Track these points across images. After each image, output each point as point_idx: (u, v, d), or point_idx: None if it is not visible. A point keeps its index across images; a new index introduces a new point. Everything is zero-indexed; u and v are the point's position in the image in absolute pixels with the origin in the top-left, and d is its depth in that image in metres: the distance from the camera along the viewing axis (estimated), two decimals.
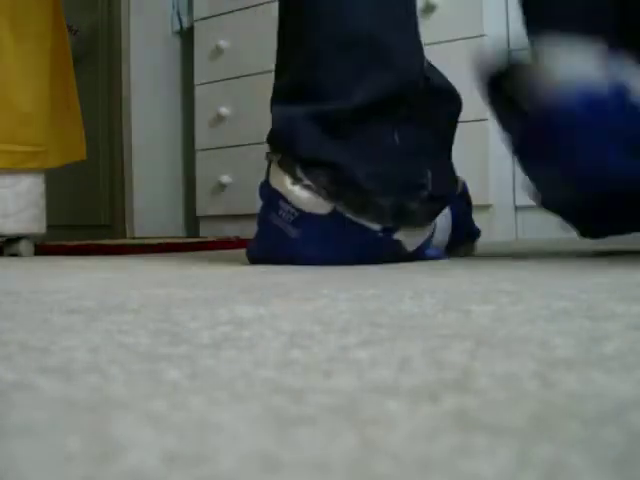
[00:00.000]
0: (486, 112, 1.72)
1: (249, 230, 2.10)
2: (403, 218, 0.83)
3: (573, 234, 0.98)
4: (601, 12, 0.82)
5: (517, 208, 1.79)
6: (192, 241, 1.63)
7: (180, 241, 1.63)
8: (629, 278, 0.61)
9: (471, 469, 0.15)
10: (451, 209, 0.97)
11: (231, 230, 2.15)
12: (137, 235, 2.16)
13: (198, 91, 2.20)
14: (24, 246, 1.43)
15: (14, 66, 1.38)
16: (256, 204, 2.13)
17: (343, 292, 0.53)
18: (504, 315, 0.39)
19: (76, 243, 1.66)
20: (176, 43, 2.28)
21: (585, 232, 0.95)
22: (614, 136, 0.76)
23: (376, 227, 0.81)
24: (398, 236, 0.83)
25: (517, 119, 0.82)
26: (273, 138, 0.90)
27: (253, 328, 0.36)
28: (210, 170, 2.17)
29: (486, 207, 1.76)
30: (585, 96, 0.74)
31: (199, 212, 2.21)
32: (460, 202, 1.01)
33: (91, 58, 2.51)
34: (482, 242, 1.31)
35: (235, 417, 0.20)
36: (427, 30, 1.78)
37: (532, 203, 1.73)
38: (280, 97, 0.90)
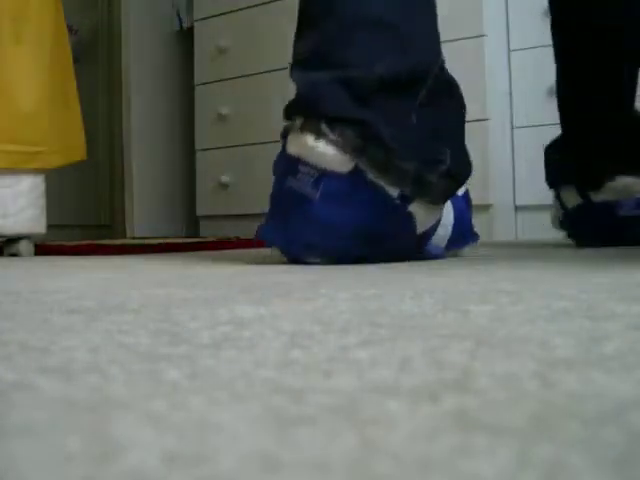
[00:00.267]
0: (486, 112, 1.72)
1: (249, 230, 2.10)
2: (421, 188, 0.84)
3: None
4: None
5: (517, 208, 1.79)
6: (192, 241, 1.63)
7: (180, 241, 1.63)
8: (629, 278, 0.61)
9: (471, 469, 0.15)
10: (453, 207, 0.99)
11: (231, 230, 2.15)
12: (137, 235, 2.16)
13: (198, 91, 2.20)
14: (24, 246, 1.43)
15: (14, 66, 1.38)
16: (256, 204, 2.13)
17: (343, 292, 0.53)
18: (504, 315, 0.39)
19: (76, 243, 1.66)
20: (176, 43, 2.28)
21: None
22: None
23: (394, 193, 0.82)
24: (412, 208, 0.84)
25: None
26: (296, 103, 0.87)
27: (253, 328, 0.36)
28: (210, 170, 2.16)
29: (486, 207, 1.76)
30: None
31: (199, 212, 2.20)
32: (461, 202, 1.03)
33: (91, 58, 2.51)
34: (482, 242, 1.31)
35: (235, 417, 0.20)
36: None
37: (532, 203, 1.73)
38: (302, 65, 0.88)
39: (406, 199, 0.83)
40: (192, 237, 2.16)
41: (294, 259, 0.87)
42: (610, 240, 1.21)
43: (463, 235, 1.03)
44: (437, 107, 0.88)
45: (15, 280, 0.77)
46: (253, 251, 1.43)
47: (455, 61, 1.76)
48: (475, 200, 1.18)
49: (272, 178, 0.92)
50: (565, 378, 0.24)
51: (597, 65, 1.22)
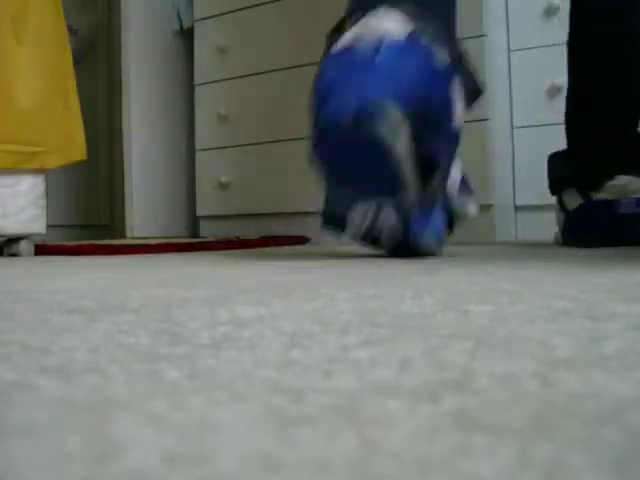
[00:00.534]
0: (486, 112, 1.72)
1: (249, 230, 2.10)
2: (460, 65, 0.92)
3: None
4: None
5: (517, 208, 1.79)
6: (192, 241, 1.63)
7: (180, 241, 1.63)
8: (629, 278, 0.61)
9: (471, 469, 0.15)
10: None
11: (231, 230, 2.14)
12: (137, 235, 2.16)
13: (198, 91, 2.20)
14: (24, 246, 1.43)
15: (14, 66, 1.38)
16: (256, 204, 2.13)
17: (343, 292, 0.53)
18: (504, 315, 0.39)
19: (76, 243, 1.66)
20: (176, 43, 2.28)
21: None
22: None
23: (444, 58, 0.86)
24: (455, 85, 0.89)
25: None
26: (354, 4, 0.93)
27: (253, 328, 0.36)
28: (210, 170, 2.17)
29: (486, 207, 1.76)
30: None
31: (199, 212, 2.20)
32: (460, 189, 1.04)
33: (91, 58, 2.50)
34: (482, 242, 1.30)
35: (235, 417, 0.20)
36: None
37: (532, 203, 1.73)
38: None
39: (451, 71, 0.87)
40: (192, 237, 2.16)
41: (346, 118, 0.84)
42: (610, 238, 1.22)
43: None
44: None
45: (15, 280, 0.77)
46: (253, 251, 1.43)
47: None
48: None
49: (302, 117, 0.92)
50: (565, 378, 0.24)
51: (616, 84, 1.23)
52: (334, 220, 0.99)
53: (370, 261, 0.99)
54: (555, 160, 1.33)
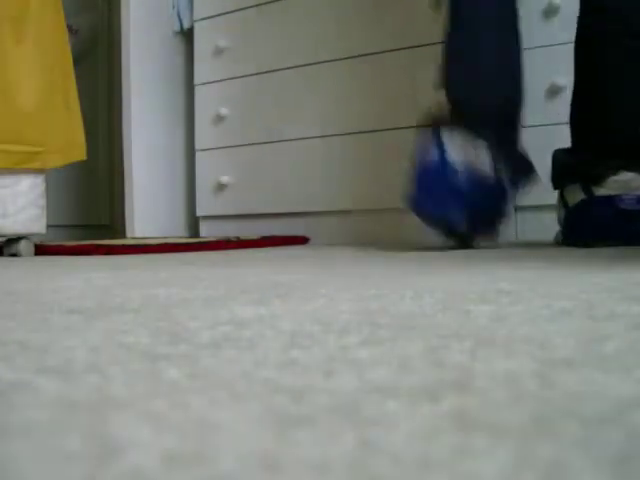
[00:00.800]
0: None
1: (249, 230, 2.10)
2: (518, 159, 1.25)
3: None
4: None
5: (517, 208, 1.79)
6: (192, 241, 1.63)
7: (180, 241, 1.63)
8: (629, 278, 0.61)
9: (471, 469, 0.15)
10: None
11: (231, 230, 2.14)
12: (137, 235, 2.15)
13: (198, 91, 2.19)
14: (24, 246, 1.43)
15: (14, 66, 1.38)
16: (256, 204, 2.12)
17: (343, 292, 0.53)
18: (504, 315, 0.39)
19: (76, 243, 1.66)
20: (176, 43, 2.28)
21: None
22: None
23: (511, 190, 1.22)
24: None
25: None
26: (453, 115, 1.20)
27: (253, 328, 0.36)
28: (210, 170, 2.16)
29: None
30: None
31: (199, 212, 2.20)
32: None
33: (91, 58, 2.50)
34: (482, 242, 1.31)
35: (235, 417, 0.20)
36: (433, 30, 1.78)
37: (532, 203, 1.73)
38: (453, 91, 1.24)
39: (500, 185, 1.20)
40: (192, 237, 2.16)
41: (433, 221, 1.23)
42: (610, 234, 1.22)
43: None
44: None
45: (15, 280, 0.77)
46: (253, 251, 1.43)
47: None
48: None
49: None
50: (565, 378, 0.24)
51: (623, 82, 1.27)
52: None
53: (370, 261, 0.99)
54: (559, 155, 1.35)
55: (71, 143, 1.48)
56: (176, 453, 0.17)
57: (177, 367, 0.27)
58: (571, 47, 1.36)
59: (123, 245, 1.49)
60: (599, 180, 1.25)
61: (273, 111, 2.06)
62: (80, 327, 0.38)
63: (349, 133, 1.90)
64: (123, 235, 2.21)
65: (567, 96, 1.43)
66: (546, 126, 1.63)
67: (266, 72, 2.07)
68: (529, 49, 1.73)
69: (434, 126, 1.20)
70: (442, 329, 0.35)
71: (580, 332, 0.33)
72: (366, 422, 0.19)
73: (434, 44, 1.77)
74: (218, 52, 2.16)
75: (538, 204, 1.65)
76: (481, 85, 1.22)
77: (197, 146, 2.22)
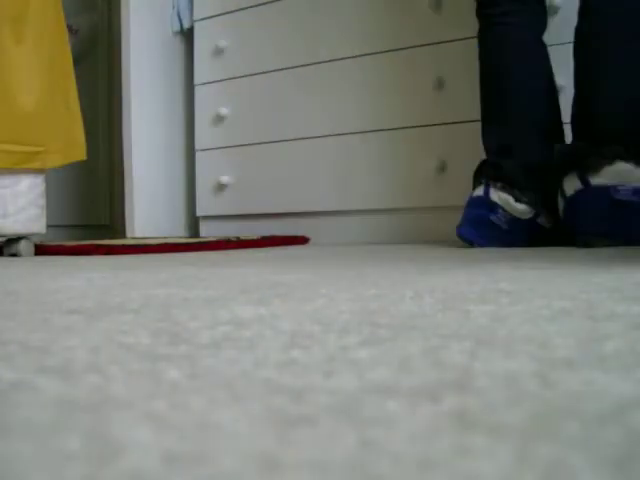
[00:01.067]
0: None
1: (249, 230, 2.10)
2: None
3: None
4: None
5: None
6: (192, 241, 1.63)
7: (180, 241, 1.63)
8: (629, 278, 0.61)
9: (471, 469, 0.15)
10: None
11: (231, 230, 2.14)
12: (137, 235, 2.15)
13: (198, 91, 2.19)
14: (24, 246, 1.43)
15: (14, 66, 1.38)
16: (256, 204, 2.12)
17: (343, 292, 0.53)
18: (504, 315, 0.39)
19: (76, 243, 1.66)
20: (176, 43, 2.28)
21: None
22: None
23: (547, 226, 1.40)
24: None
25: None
26: (494, 171, 1.41)
27: (253, 328, 0.36)
28: (210, 170, 2.16)
29: None
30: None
31: (199, 212, 2.20)
32: None
33: (91, 58, 2.50)
34: None
35: (235, 417, 0.20)
36: (432, 30, 1.78)
37: None
38: (493, 154, 1.45)
39: (552, 229, 1.41)
40: (192, 237, 2.16)
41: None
42: (604, 225, 1.24)
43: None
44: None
45: (15, 280, 0.77)
46: (253, 251, 1.43)
47: (457, 61, 1.76)
48: None
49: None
50: (565, 378, 0.24)
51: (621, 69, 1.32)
52: None
53: (370, 261, 0.99)
54: (560, 149, 1.38)
55: (71, 143, 1.48)
56: (176, 453, 0.17)
57: (177, 367, 0.27)
58: (572, 46, 1.36)
59: (123, 245, 1.49)
60: (595, 168, 1.27)
61: (273, 111, 2.06)
62: (80, 327, 0.38)
63: (349, 133, 1.90)
64: (123, 235, 2.21)
65: (566, 96, 1.43)
66: None
67: (266, 72, 2.07)
68: None
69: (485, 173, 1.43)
70: (442, 329, 0.35)
71: (580, 332, 0.33)
72: (366, 422, 0.19)
73: (433, 44, 1.78)
74: (218, 52, 2.16)
75: None
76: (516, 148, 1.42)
77: (197, 146, 2.22)
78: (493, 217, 1.40)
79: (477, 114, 1.51)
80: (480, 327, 0.35)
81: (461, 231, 1.42)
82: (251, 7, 2.10)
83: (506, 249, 1.29)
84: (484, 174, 1.44)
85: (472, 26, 1.52)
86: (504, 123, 1.44)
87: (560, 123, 1.44)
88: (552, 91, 1.45)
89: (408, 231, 1.84)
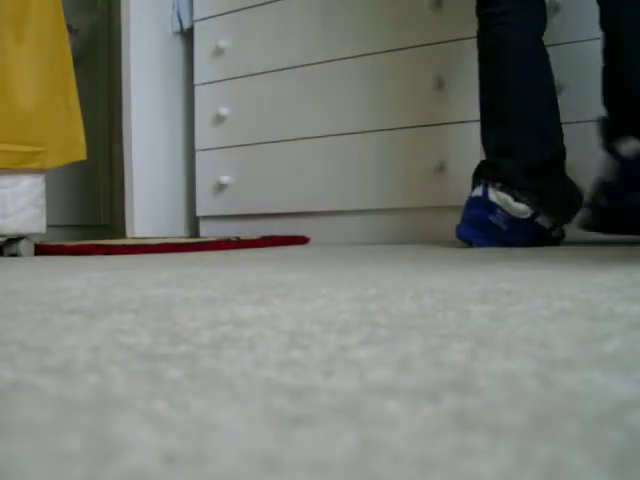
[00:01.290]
0: None
1: (249, 230, 2.10)
2: (562, 223, 1.47)
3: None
4: None
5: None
6: (192, 241, 1.63)
7: (180, 241, 1.63)
8: (629, 278, 0.61)
9: (471, 469, 0.15)
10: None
11: (231, 230, 2.14)
12: (137, 235, 2.15)
13: (198, 91, 2.19)
14: (24, 246, 1.43)
15: (14, 66, 1.38)
16: (256, 204, 2.12)
17: (343, 292, 0.53)
18: (504, 315, 0.39)
19: (76, 243, 1.66)
20: (176, 43, 2.28)
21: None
22: None
23: (547, 225, 1.41)
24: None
25: None
26: (494, 169, 1.41)
27: (253, 328, 0.36)
28: (210, 170, 2.16)
29: None
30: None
31: (199, 212, 2.20)
32: None
33: (91, 58, 2.50)
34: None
35: (235, 417, 0.20)
36: (432, 30, 1.78)
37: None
38: (493, 152, 1.44)
39: (552, 229, 1.44)
40: (192, 237, 2.16)
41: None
42: None
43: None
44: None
45: (15, 280, 0.77)
46: (253, 251, 1.43)
47: (457, 61, 1.76)
48: None
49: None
50: (565, 378, 0.24)
51: None
52: None
53: (370, 261, 0.99)
54: (605, 117, 1.39)
55: (71, 143, 1.48)
56: (176, 453, 0.17)
57: (177, 367, 0.27)
58: (572, 46, 1.36)
59: (123, 245, 1.49)
60: None
61: (273, 111, 2.06)
62: (80, 327, 0.38)
63: (349, 133, 1.90)
64: (123, 235, 2.21)
65: (567, 95, 1.43)
66: None
67: (266, 72, 2.07)
68: None
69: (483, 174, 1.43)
70: (442, 329, 0.35)
71: (580, 332, 0.33)
72: (366, 422, 0.19)
73: (433, 44, 1.78)
74: (218, 52, 2.16)
75: None
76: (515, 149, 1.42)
77: (197, 146, 2.22)
78: (492, 217, 1.40)
79: (476, 114, 1.51)
80: (480, 327, 0.35)
81: (460, 231, 1.42)
82: (251, 7, 2.10)
83: (506, 249, 1.29)
84: (483, 174, 1.43)
85: (472, 26, 1.52)
86: (503, 123, 1.43)
87: (559, 123, 1.44)
88: (552, 91, 1.44)
89: (408, 231, 1.84)
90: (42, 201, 1.45)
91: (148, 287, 0.63)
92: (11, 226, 1.40)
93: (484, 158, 1.47)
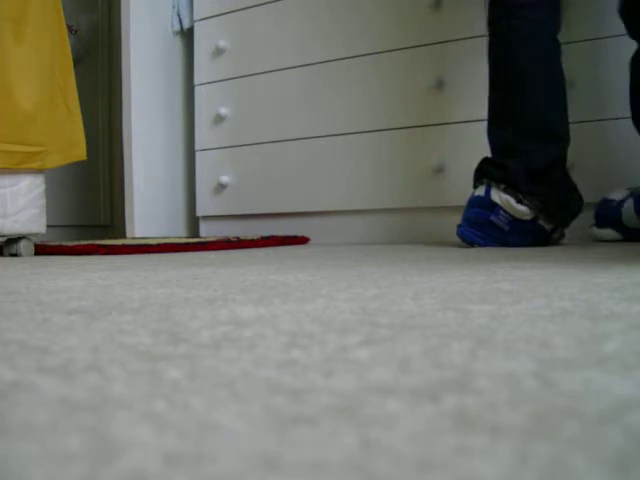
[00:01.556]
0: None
1: (249, 230, 2.10)
2: (562, 227, 1.48)
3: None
4: None
5: None
6: (192, 241, 1.63)
7: (180, 241, 1.63)
8: (629, 278, 0.61)
9: (471, 469, 0.15)
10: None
11: (231, 230, 2.14)
12: (137, 235, 2.15)
13: (198, 91, 2.19)
14: (24, 246, 1.43)
15: (14, 66, 1.38)
16: (256, 204, 2.12)
17: (343, 292, 0.53)
18: (504, 315, 0.39)
19: (76, 243, 1.66)
20: (176, 43, 2.28)
21: None
22: None
23: (548, 228, 1.43)
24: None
25: None
26: (498, 171, 1.41)
27: (253, 328, 0.36)
28: (210, 170, 2.16)
29: None
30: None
31: (199, 212, 2.20)
32: None
33: (91, 58, 2.50)
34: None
35: (235, 417, 0.20)
36: (432, 30, 1.78)
37: None
38: (498, 152, 1.44)
39: (553, 231, 1.44)
40: (192, 237, 2.16)
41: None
42: None
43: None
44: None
45: (15, 280, 0.77)
46: (253, 251, 1.43)
47: (457, 61, 1.76)
48: None
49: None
50: (565, 378, 0.24)
51: None
52: None
53: (370, 261, 0.99)
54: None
55: (71, 143, 1.48)
56: (176, 453, 0.17)
57: (177, 367, 0.27)
58: (572, 46, 1.36)
59: (123, 245, 1.49)
60: None
61: (273, 111, 2.06)
62: (80, 327, 0.38)
63: (349, 133, 1.90)
64: (123, 235, 2.21)
65: (571, 93, 1.43)
66: None
67: (266, 72, 2.07)
68: None
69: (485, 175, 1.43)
70: (442, 329, 0.35)
71: (580, 332, 0.33)
72: (366, 422, 0.19)
73: (433, 44, 1.78)
74: (218, 52, 2.16)
75: None
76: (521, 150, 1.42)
77: (197, 146, 2.22)
78: (493, 217, 1.40)
79: (477, 114, 1.51)
80: (480, 327, 0.35)
81: (461, 231, 1.42)
82: (251, 7, 2.10)
83: (506, 249, 1.29)
84: (486, 174, 1.43)
85: (472, 26, 1.52)
86: (514, 123, 1.42)
87: (567, 124, 1.44)
88: (564, 90, 1.44)
89: (408, 231, 1.84)
90: (42, 201, 1.45)
91: (148, 287, 0.63)
92: (11, 226, 1.40)
93: (485, 156, 1.46)
